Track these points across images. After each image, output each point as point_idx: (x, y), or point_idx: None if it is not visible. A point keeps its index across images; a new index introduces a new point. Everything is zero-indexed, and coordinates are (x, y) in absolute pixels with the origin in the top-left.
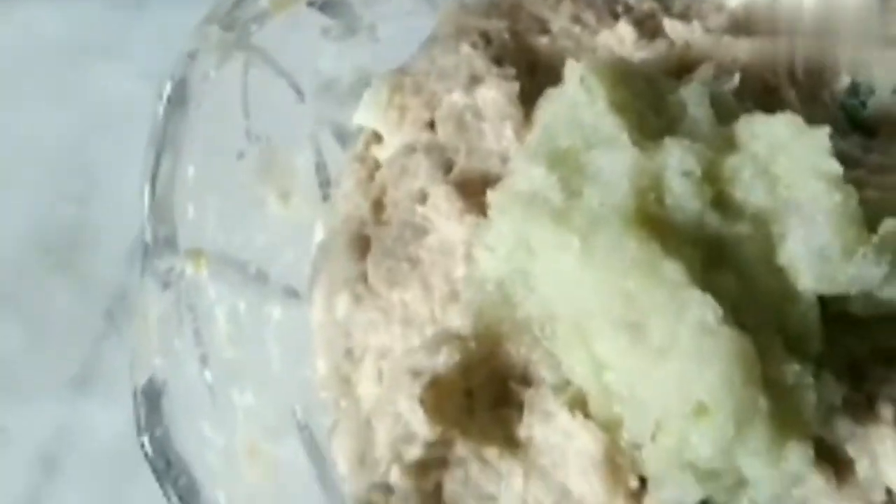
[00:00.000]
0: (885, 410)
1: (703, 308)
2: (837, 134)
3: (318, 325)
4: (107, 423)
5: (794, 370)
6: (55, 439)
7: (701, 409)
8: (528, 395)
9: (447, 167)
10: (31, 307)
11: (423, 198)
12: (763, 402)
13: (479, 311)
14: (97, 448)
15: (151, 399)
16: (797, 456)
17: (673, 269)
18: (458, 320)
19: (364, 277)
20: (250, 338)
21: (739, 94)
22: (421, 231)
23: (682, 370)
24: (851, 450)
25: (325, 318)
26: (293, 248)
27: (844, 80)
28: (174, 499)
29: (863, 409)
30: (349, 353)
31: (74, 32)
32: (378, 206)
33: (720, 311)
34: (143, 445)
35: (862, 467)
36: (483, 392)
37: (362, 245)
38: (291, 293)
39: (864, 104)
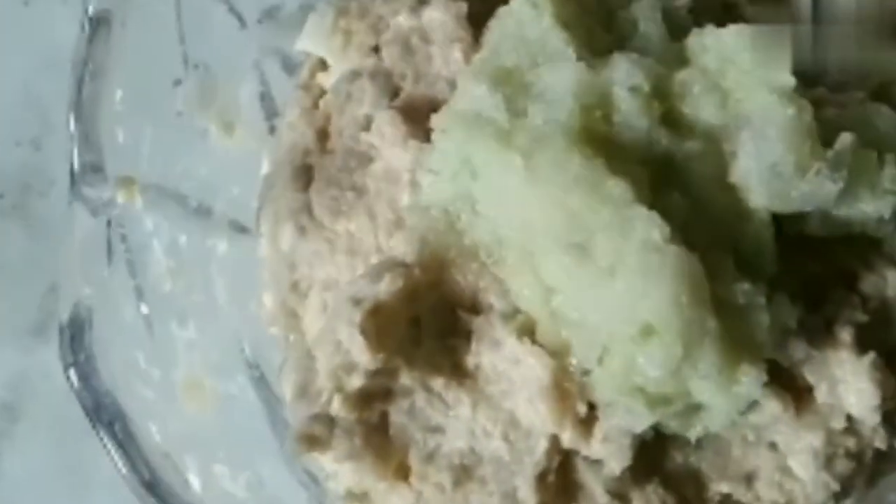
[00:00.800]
0: (844, 333)
1: (648, 226)
2: None
3: (264, 258)
4: None
5: (745, 290)
6: (15, 387)
7: (648, 330)
8: (476, 323)
9: (393, 93)
10: None
11: (367, 124)
12: (712, 323)
13: (423, 237)
14: (57, 395)
15: (76, 328)
16: (750, 379)
17: (618, 187)
18: (402, 248)
19: (308, 208)
20: (192, 272)
21: (695, 10)
22: (366, 159)
23: (628, 290)
24: (810, 375)
25: (270, 251)
26: (238, 182)
27: None
28: (103, 435)
29: (820, 332)
30: (295, 286)
31: None
32: (323, 134)
33: (667, 229)
34: (68, 378)
35: (821, 393)
36: (430, 320)
37: (307, 175)
38: (238, 228)
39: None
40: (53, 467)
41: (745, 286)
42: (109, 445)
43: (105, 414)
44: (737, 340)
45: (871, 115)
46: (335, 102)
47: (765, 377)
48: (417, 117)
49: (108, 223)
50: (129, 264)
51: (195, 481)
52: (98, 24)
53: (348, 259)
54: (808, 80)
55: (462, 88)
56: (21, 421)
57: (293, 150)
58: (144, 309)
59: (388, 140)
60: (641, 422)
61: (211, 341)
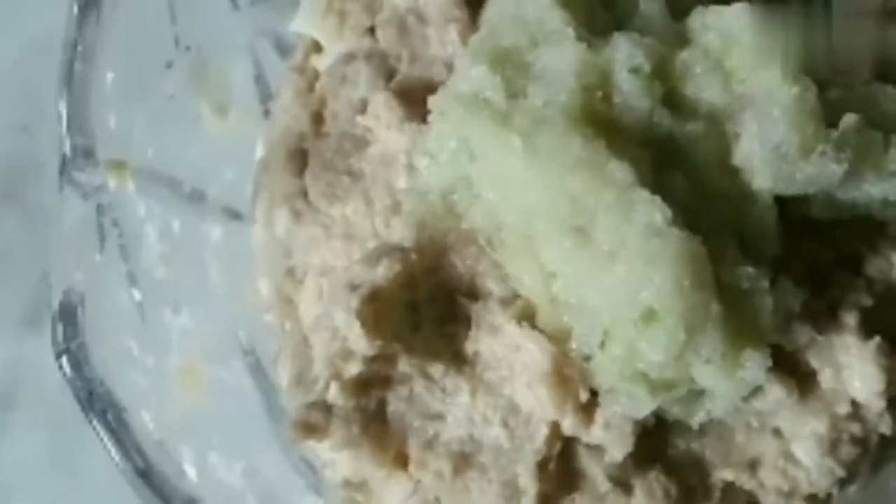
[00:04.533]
0: (849, 317)
1: (651, 209)
2: None
3: (259, 244)
4: None
5: (748, 273)
6: (8, 377)
7: (650, 315)
8: (475, 308)
9: (389, 75)
10: None
11: (363, 107)
12: (716, 307)
13: (421, 221)
14: (51, 384)
15: (67, 314)
16: (754, 363)
17: (620, 169)
18: (400, 233)
19: (304, 192)
20: (186, 257)
21: None
22: (361, 142)
23: (629, 274)
24: (814, 360)
25: (265, 237)
26: (233, 166)
27: None
28: (96, 423)
29: (825, 316)
30: (291, 272)
31: None
32: (317, 118)
33: (669, 213)
34: (60, 367)
35: (825, 378)
36: (428, 306)
37: (301, 159)
38: (232, 213)
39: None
40: (48, 456)
41: (749, 270)
42: (103, 434)
43: (98, 403)
44: (740, 325)
45: (876, 96)
46: (330, 85)
47: (769, 362)
48: (414, 99)
49: (100, 208)
50: (122, 250)
51: (191, 470)
52: (88, 5)
53: (345, 244)
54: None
55: (460, 69)
56: (15, 410)
57: (287, 134)
58: (137, 295)
59: (383, 123)
60: (643, 408)
61: (205, 328)
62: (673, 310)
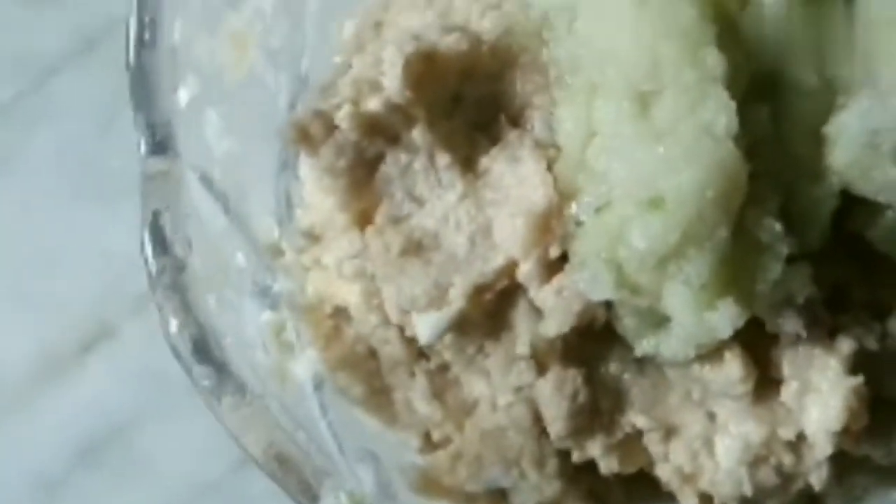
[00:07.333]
0: (844, 345)
1: (719, 111)
2: None
3: None
4: None
5: (773, 230)
6: None
7: (658, 203)
8: (511, 135)
9: None
10: None
11: None
12: (723, 233)
13: (510, 26)
14: None
15: None
16: (726, 313)
17: (713, 57)
18: (486, 25)
19: None
20: None
21: None
22: None
23: (664, 158)
24: (787, 367)
25: None
26: None
27: None
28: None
29: (822, 330)
30: (378, 25)
31: None
32: None
33: (735, 126)
34: None
35: (787, 392)
36: (471, 107)
37: None
38: None
39: None
40: None
41: (776, 226)
42: None
43: None
44: (736, 271)
45: None
46: None
47: (740, 322)
48: None
49: None
50: None
51: (184, 97)
52: None
53: (436, 18)
54: None
55: None
56: None
57: None
58: None
59: None
60: (600, 292)
61: (274, 29)
62: (682, 207)
